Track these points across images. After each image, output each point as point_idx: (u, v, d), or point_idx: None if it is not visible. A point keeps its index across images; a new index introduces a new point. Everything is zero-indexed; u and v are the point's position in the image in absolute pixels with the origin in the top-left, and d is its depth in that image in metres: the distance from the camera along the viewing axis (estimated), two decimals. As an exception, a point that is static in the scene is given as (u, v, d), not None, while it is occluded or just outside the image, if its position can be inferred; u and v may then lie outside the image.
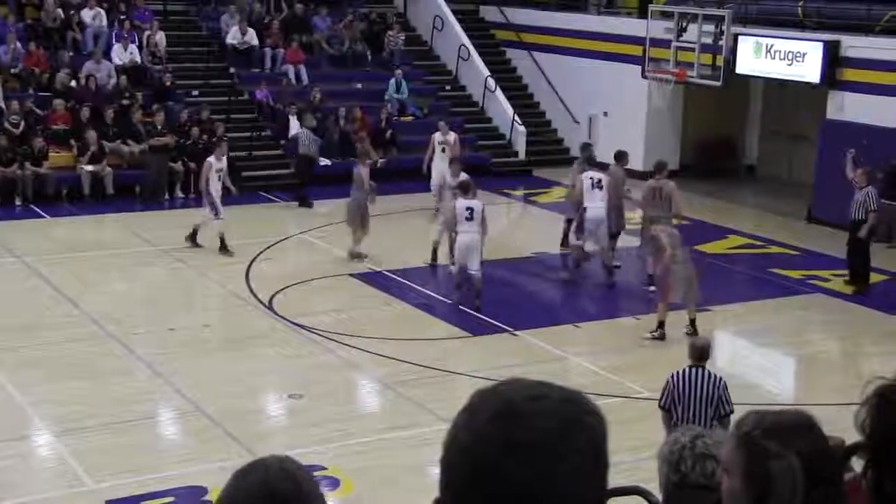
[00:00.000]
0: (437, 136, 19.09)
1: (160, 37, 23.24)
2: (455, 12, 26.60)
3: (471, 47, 25.87)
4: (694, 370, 8.53)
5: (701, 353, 8.62)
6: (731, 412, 8.40)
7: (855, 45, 19.42)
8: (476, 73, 25.65)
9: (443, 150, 18.82)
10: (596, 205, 15.59)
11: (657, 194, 15.08)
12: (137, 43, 23.09)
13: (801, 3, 21.11)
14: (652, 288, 15.34)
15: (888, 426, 2.20)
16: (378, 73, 24.93)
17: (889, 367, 2.45)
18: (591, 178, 15.82)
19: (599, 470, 1.52)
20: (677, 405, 8.46)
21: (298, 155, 20.59)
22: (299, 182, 20.44)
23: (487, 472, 1.47)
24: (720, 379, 8.56)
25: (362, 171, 16.40)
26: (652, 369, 12.59)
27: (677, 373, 8.59)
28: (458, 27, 26.23)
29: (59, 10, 23.04)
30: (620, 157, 16.99)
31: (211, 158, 16.87)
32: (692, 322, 13.40)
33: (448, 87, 25.95)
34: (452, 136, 19.18)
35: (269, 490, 1.76)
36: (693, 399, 8.42)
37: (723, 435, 2.49)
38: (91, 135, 20.28)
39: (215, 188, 16.64)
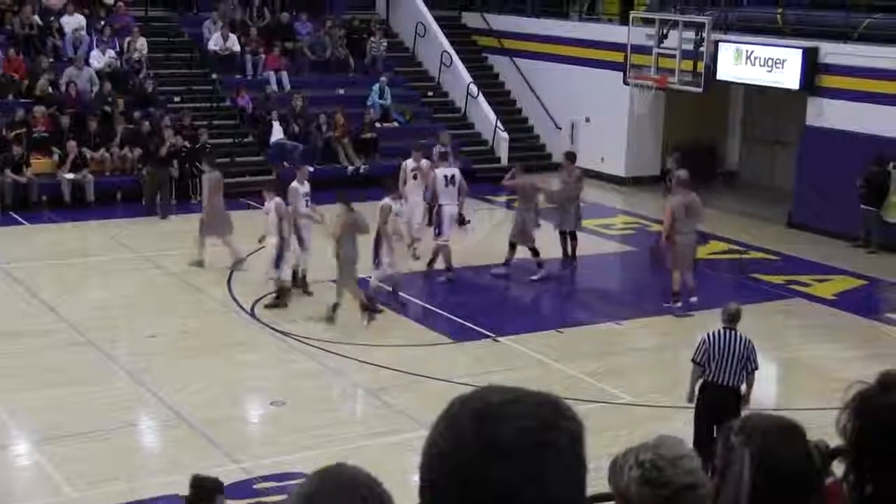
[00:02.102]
0: (409, 163, 17.88)
1: (141, 42, 23.17)
2: (437, 18, 26.64)
3: (453, 54, 25.90)
4: (728, 331, 9.59)
5: (733, 317, 9.68)
6: (756, 369, 9.61)
7: (833, 52, 19.54)
8: (458, 80, 25.69)
9: (414, 178, 18.02)
10: (449, 201, 16.38)
11: (689, 210, 14.86)
12: (118, 49, 23.02)
13: (780, 11, 21.24)
14: (678, 304, 14.94)
15: (869, 430, 2.22)
16: (361, 79, 24.94)
17: (869, 372, 2.46)
18: (444, 176, 16.51)
19: (578, 472, 1.52)
20: (711, 362, 9.50)
21: None
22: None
23: (468, 475, 1.47)
24: (749, 340, 9.60)
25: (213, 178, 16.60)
26: (632, 375, 12.65)
27: (712, 333, 9.62)
28: (440, 34, 26.26)
29: (36, 17, 22.91)
30: (571, 157, 17.65)
31: (294, 183, 15.62)
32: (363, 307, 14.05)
33: (431, 94, 25.98)
34: (425, 163, 18.40)
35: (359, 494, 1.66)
36: (726, 357, 9.47)
37: (672, 443, 2.49)
38: (71, 144, 20.20)
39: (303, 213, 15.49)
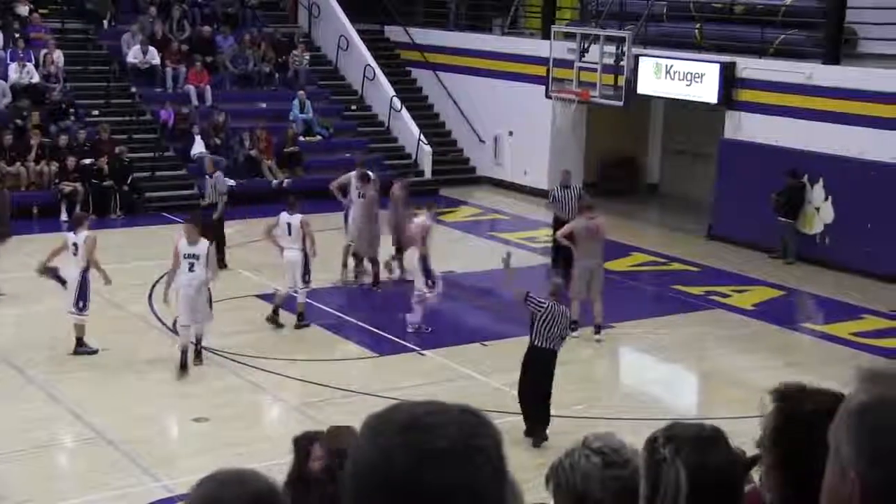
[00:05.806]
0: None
1: (58, 55, 22.75)
2: (360, 32, 26.61)
3: (376, 67, 25.90)
4: (557, 305, 11.09)
5: (558, 290, 11.50)
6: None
7: (750, 67, 19.96)
8: (382, 93, 25.68)
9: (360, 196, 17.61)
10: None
11: (594, 233, 14.50)
12: (34, 62, 22.59)
13: (698, 26, 21.64)
14: (574, 334, 13.85)
15: (787, 437, 2.25)
16: (283, 93, 24.80)
17: (786, 381, 2.50)
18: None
19: (503, 479, 1.55)
20: (541, 326, 10.94)
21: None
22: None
23: (398, 486, 1.47)
24: (565, 308, 11.49)
25: None
26: (556, 387, 12.69)
27: (551, 304, 11.02)
28: (363, 47, 26.24)
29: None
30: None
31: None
32: None
33: (354, 107, 25.93)
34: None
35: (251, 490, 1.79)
36: (552, 325, 10.95)
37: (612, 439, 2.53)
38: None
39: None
